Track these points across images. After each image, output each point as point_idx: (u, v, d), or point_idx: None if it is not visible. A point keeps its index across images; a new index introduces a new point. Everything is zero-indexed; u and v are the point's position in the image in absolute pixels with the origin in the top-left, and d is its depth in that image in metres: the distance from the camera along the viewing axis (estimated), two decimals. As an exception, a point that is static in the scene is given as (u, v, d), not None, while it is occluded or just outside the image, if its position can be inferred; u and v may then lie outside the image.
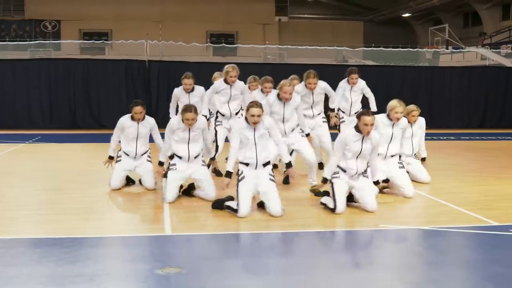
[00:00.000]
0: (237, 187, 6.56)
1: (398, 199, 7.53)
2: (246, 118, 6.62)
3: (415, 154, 8.73)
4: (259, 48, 27.60)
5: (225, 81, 8.66)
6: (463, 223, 6.38)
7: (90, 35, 32.29)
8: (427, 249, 5.71)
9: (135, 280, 4.51)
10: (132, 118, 7.86)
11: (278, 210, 6.49)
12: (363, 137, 6.65)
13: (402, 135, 7.92)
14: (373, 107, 9.68)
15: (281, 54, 29.67)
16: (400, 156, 7.91)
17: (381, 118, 7.50)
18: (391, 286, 4.51)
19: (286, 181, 8.39)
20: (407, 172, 8.08)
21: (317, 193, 7.54)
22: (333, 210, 6.68)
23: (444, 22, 33.41)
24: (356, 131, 6.68)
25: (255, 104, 6.58)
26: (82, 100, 17.42)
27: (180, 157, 7.23)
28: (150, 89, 17.31)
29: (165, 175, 7.81)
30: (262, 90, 8.64)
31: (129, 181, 8.22)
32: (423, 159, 8.92)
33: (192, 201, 7.28)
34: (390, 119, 7.58)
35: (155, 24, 30.24)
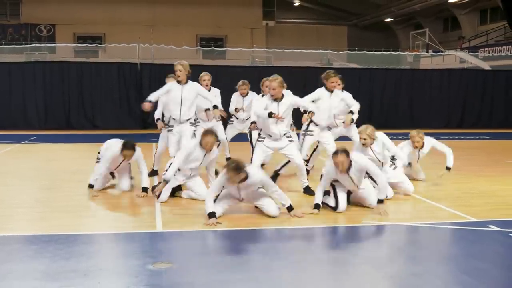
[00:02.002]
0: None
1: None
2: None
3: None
4: (247, 51, 27.64)
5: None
6: (443, 219, 6.55)
7: (84, 38, 32.07)
8: (409, 244, 5.86)
9: (128, 275, 4.56)
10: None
11: (275, 211, 6.55)
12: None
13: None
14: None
15: (268, 57, 29.83)
16: (393, 157, 8.01)
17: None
18: (373, 280, 4.60)
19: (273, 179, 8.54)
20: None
21: (309, 192, 7.67)
22: (334, 208, 6.82)
23: (425, 27, 33.64)
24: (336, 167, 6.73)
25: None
26: (76, 101, 17.56)
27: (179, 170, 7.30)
28: (142, 91, 17.40)
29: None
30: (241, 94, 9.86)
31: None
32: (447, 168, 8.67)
33: (182, 199, 7.39)
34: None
35: (147, 28, 30.15)
